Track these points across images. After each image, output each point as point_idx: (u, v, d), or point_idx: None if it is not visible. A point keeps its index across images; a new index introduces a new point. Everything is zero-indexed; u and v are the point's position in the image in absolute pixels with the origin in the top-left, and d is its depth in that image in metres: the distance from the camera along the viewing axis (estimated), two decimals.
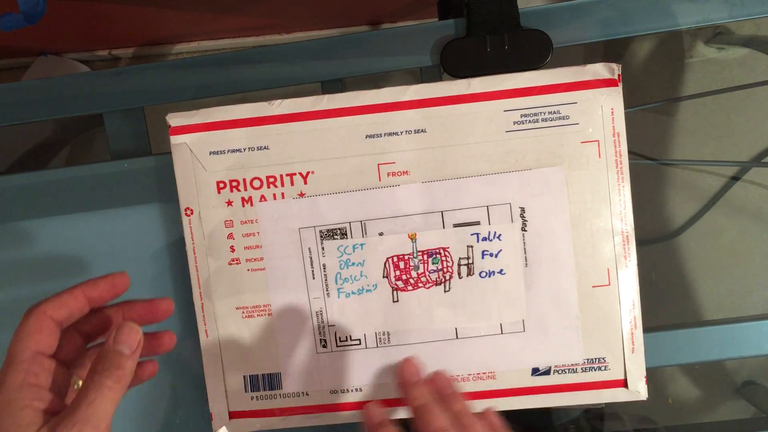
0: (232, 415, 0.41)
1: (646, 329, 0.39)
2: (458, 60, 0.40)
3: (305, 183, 0.39)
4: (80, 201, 0.43)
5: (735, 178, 0.90)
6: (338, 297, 0.40)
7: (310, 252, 0.39)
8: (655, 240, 0.92)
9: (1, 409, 0.28)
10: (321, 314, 0.40)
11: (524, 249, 0.39)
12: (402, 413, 0.40)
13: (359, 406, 0.40)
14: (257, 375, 0.40)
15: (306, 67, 0.42)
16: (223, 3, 0.78)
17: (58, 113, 0.43)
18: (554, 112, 0.38)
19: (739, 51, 0.90)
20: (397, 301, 0.39)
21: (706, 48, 0.91)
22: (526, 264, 0.39)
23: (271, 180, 0.39)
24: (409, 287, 0.39)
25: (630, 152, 0.38)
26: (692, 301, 0.92)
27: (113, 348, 0.29)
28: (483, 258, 0.39)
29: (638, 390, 0.39)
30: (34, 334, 0.29)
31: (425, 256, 0.39)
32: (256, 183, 0.39)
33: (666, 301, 0.93)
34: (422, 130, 0.38)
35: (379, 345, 0.40)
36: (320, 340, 0.40)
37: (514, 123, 0.38)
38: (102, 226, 0.43)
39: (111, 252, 0.43)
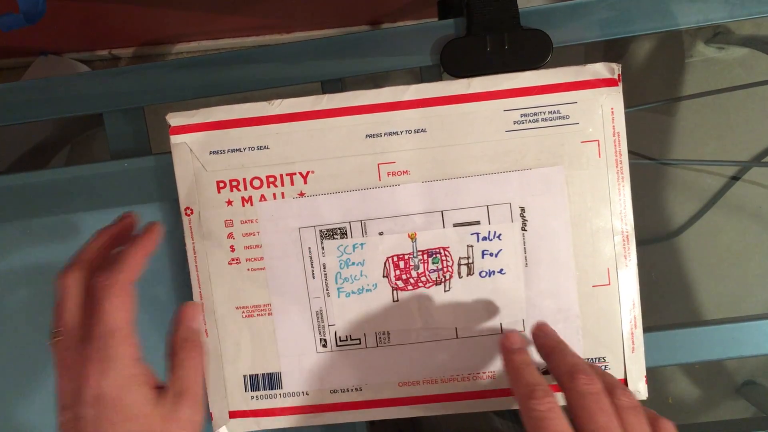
0: (232, 414, 0.41)
1: (646, 329, 0.39)
2: (458, 60, 0.40)
3: (305, 183, 0.39)
4: (80, 201, 0.43)
5: (735, 178, 0.90)
6: (338, 296, 0.40)
7: (310, 252, 0.39)
8: (655, 240, 0.92)
9: (124, 383, 0.28)
10: (321, 314, 0.40)
11: (524, 249, 0.39)
12: (396, 413, 0.40)
13: (359, 405, 0.40)
14: (257, 375, 0.40)
15: (306, 67, 0.42)
16: (223, 3, 0.78)
17: (57, 113, 0.43)
18: (554, 112, 0.38)
19: (739, 51, 0.90)
20: (397, 300, 0.39)
21: (706, 48, 0.91)
22: (526, 264, 0.39)
23: (271, 180, 0.39)
24: (409, 287, 0.39)
25: (630, 152, 0.38)
26: (692, 301, 0.92)
27: (192, 328, 0.32)
28: (483, 258, 0.39)
29: (638, 389, 0.39)
30: (129, 305, 0.30)
31: (425, 256, 0.39)
32: (256, 183, 0.39)
33: (666, 301, 0.93)
34: (422, 130, 0.38)
35: (379, 344, 0.40)
36: (320, 339, 0.40)
37: (514, 123, 0.38)
38: (102, 225, 0.42)
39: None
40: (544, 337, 0.35)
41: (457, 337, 0.39)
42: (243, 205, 0.39)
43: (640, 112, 0.85)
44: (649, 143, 0.91)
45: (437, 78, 0.42)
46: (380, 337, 0.40)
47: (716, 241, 0.92)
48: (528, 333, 0.39)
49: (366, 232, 0.39)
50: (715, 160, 0.91)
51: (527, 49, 0.39)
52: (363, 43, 0.42)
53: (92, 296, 0.30)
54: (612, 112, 0.38)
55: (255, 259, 0.39)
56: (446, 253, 0.39)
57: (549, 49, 0.39)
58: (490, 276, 0.39)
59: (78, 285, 0.31)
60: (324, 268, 0.39)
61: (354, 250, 0.39)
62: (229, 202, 0.39)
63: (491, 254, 0.39)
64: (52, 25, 0.76)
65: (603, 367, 0.39)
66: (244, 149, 0.39)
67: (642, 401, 0.39)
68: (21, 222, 0.43)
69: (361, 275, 0.39)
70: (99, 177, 0.42)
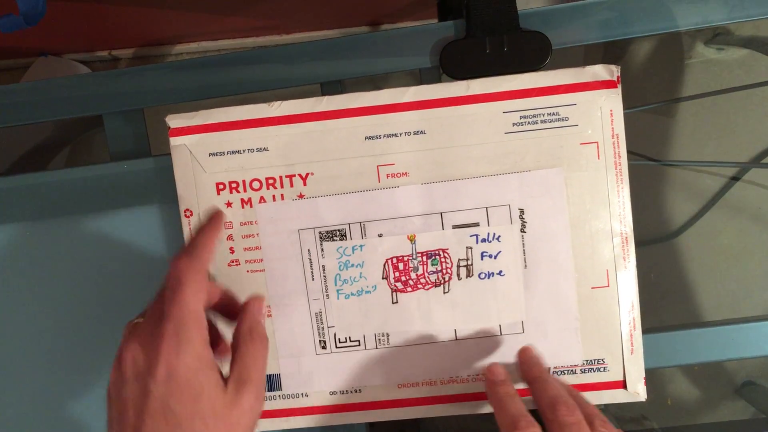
0: None
1: (646, 330, 0.39)
2: (457, 61, 0.40)
3: (305, 184, 0.39)
4: (80, 202, 0.43)
5: (735, 179, 0.90)
6: (337, 298, 0.40)
7: (309, 253, 0.39)
8: (655, 240, 0.92)
9: (195, 365, 0.29)
10: (320, 315, 0.40)
11: (523, 250, 0.39)
12: (395, 415, 0.40)
13: (359, 407, 0.40)
14: None
15: (305, 69, 0.42)
16: (222, 4, 0.78)
17: (57, 114, 0.43)
18: (553, 114, 0.38)
19: (739, 52, 0.90)
20: (397, 302, 0.39)
21: (705, 49, 0.91)
22: (525, 265, 0.39)
23: (271, 181, 0.39)
24: (409, 288, 0.39)
25: (630, 153, 0.38)
26: (692, 302, 0.92)
27: (257, 319, 0.33)
28: (482, 259, 0.39)
29: (637, 391, 0.39)
30: (204, 292, 0.31)
31: (424, 258, 0.39)
32: (256, 184, 0.39)
33: (665, 301, 0.93)
34: (421, 132, 0.38)
35: (378, 346, 0.40)
36: (319, 341, 0.40)
37: (513, 124, 0.38)
38: (101, 227, 0.43)
39: (110, 253, 0.43)
40: (527, 367, 0.37)
41: (456, 339, 0.39)
42: (242, 207, 0.39)
43: (639, 113, 0.85)
44: (648, 144, 0.91)
45: (436, 80, 0.42)
46: (379, 339, 0.40)
47: (716, 241, 0.92)
48: (528, 338, 0.39)
49: (365, 234, 0.39)
50: (715, 161, 0.91)
51: (526, 50, 0.39)
52: (362, 44, 0.42)
53: (171, 280, 0.31)
54: (611, 113, 0.38)
55: (254, 261, 0.40)
56: (445, 254, 0.39)
57: (548, 51, 0.39)
58: (489, 278, 0.39)
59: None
60: (323, 269, 0.39)
61: (353, 252, 0.39)
62: (229, 204, 0.39)
63: (490, 256, 0.39)
64: (52, 26, 0.76)
65: (602, 369, 0.39)
66: (244, 151, 0.39)
67: (641, 402, 0.40)
68: (21, 223, 0.43)
69: (361, 277, 0.39)
70: (99, 178, 0.42)
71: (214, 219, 0.35)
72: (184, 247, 0.33)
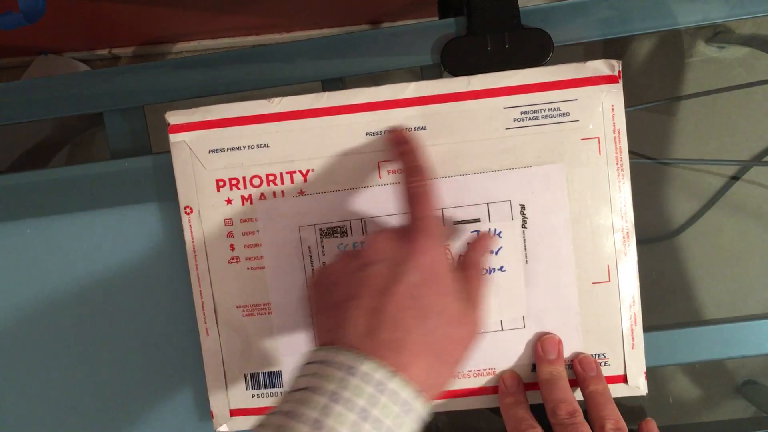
0: (233, 413, 0.41)
1: (647, 328, 0.39)
2: (459, 59, 0.40)
3: (305, 181, 0.39)
4: (80, 200, 0.43)
5: (735, 178, 0.90)
6: None
7: (309, 250, 0.39)
8: (656, 239, 0.92)
9: (448, 268, 0.31)
10: None
11: (524, 246, 0.39)
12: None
13: None
14: (258, 373, 0.40)
15: (306, 67, 0.42)
16: (223, 2, 0.78)
17: (57, 112, 0.43)
18: (554, 109, 0.38)
19: (740, 50, 0.90)
20: None
21: (706, 47, 0.91)
22: (526, 261, 0.39)
23: (271, 178, 0.39)
24: None
25: (630, 152, 0.38)
26: (692, 301, 0.92)
27: (484, 249, 0.36)
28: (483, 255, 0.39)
29: (638, 385, 0.39)
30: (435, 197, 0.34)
31: None
32: (256, 181, 0.39)
33: (666, 300, 0.93)
34: (422, 128, 0.38)
35: None
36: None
37: (514, 120, 0.38)
38: (102, 225, 0.43)
39: (111, 251, 0.43)
40: (537, 365, 0.39)
41: None
42: (243, 204, 0.39)
43: (640, 111, 0.85)
44: (649, 143, 0.91)
45: (438, 77, 0.42)
46: None
47: (717, 240, 0.92)
48: (529, 333, 0.39)
49: (366, 231, 0.39)
50: (715, 159, 0.91)
51: (528, 48, 0.39)
52: (363, 42, 0.42)
53: (412, 189, 0.33)
54: (612, 109, 0.38)
55: (255, 258, 0.39)
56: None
57: (549, 48, 0.39)
58: (490, 273, 0.39)
59: None
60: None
61: (354, 249, 0.39)
62: (229, 201, 0.39)
63: (491, 252, 0.39)
64: (52, 25, 0.76)
65: (603, 363, 0.39)
66: (244, 147, 0.39)
67: (641, 398, 0.40)
68: (21, 222, 0.43)
69: None
70: (99, 176, 0.42)
71: (404, 137, 0.37)
72: (414, 166, 0.34)
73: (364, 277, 0.30)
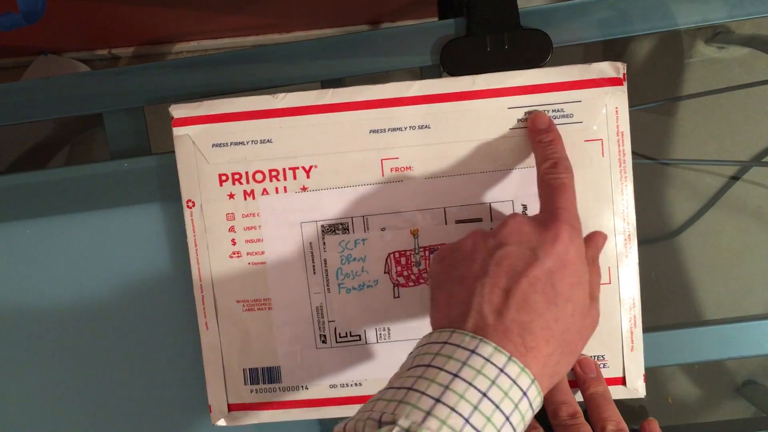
0: (231, 407, 0.41)
1: (646, 329, 0.39)
2: (458, 60, 0.40)
3: (308, 177, 0.39)
4: (80, 201, 0.43)
5: (735, 178, 0.90)
6: (339, 292, 0.40)
7: (311, 246, 0.39)
8: (656, 239, 0.92)
9: (583, 260, 0.32)
10: (321, 309, 0.40)
11: None
12: None
13: (359, 400, 0.40)
14: (257, 368, 0.40)
15: (306, 67, 0.42)
16: (222, 2, 0.78)
17: (57, 113, 0.43)
18: (558, 110, 0.38)
19: (740, 50, 0.90)
20: (398, 296, 0.39)
21: (706, 47, 0.91)
22: None
23: (274, 173, 0.39)
24: (411, 283, 0.39)
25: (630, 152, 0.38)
26: (692, 301, 0.92)
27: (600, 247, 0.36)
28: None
29: (636, 388, 0.39)
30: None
31: (427, 252, 0.39)
32: (259, 176, 0.39)
33: (666, 301, 0.93)
34: (426, 126, 0.38)
35: (379, 341, 0.40)
36: (320, 335, 0.40)
37: (518, 120, 0.38)
38: (101, 225, 0.43)
39: (110, 252, 0.43)
40: None
41: None
42: (245, 199, 0.39)
43: (639, 112, 0.85)
44: (648, 143, 0.91)
45: (437, 78, 0.42)
46: (380, 333, 0.40)
47: (717, 240, 0.92)
48: None
49: (368, 228, 0.39)
50: (715, 159, 0.91)
51: (527, 49, 0.39)
52: (363, 42, 0.42)
53: (553, 182, 0.34)
54: (616, 111, 0.38)
55: (256, 253, 0.40)
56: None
57: (549, 49, 0.39)
58: None
59: None
60: (325, 263, 0.39)
61: (356, 246, 0.39)
62: (231, 196, 0.39)
63: None
64: (52, 25, 0.76)
65: (601, 366, 0.39)
66: (247, 142, 0.39)
67: (640, 400, 0.40)
68: (21, 222, 0.43)
69: (362, 271, 0.39)
70: (99, 177, 0.42)
71: (548, 123, 0.37)
72: (558, 157, 0.35)
73: (501, 257, 0.30)
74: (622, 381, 0.39)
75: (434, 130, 0.38)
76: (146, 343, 0.43)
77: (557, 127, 0.37)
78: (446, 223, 0.39)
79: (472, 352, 0.28)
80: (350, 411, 0.40)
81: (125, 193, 0.42)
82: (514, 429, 0.27)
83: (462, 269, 0.31)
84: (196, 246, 0.40)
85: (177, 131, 0.39)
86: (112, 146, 0.44)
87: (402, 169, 0.38)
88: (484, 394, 0.26)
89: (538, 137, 0.36)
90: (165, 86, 0.43)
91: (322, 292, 0.40)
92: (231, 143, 0.39)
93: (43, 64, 0.90)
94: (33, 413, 0.44)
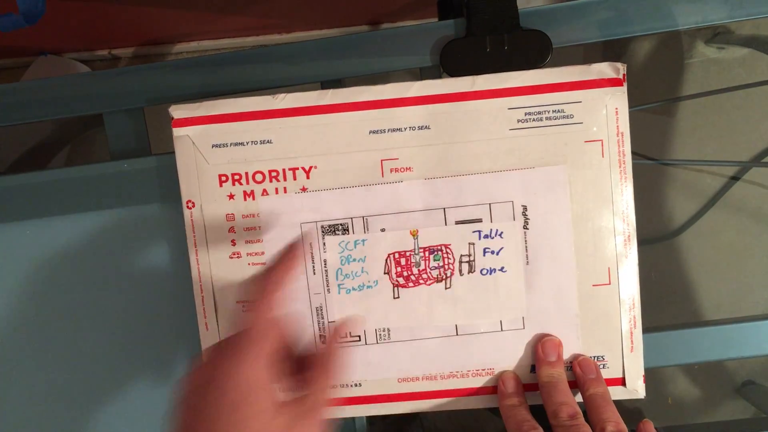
0: None
1: (646, 329, 0.39)
2: (458, 60, 0.40)
3: (308, 178, 0.39)
4: (80, 201, 0.43)
5: (735, 178, 0.90)
6: (338, 293, 0.40)
7: (311, 247, 0.39)
8: (655, 240, 0.92)
9: (248, 389, 0.28)
10: (321, 310, 0.40)
11: (525, 247, 0.39)
12: (395, 409, 0.40)
13: (359, 401, 0.40)
14: None
15: (306, 68, 0.42)
16: (223, 3, 0.78)
17: (57, 113, 0.43)
18: (558, 111, 0.38)
19: (739, 51, 0.90)
20: (398, 297, 0.40)
21: (706, 48, 0.91)
22: (527, 262, 0.39)
23: (274, 174, 0.39)
24: (410, 284, 0.39)
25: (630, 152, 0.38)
26: (692, 301, 0.92)
27: (338, 351, 0.33)
28: (484, 255, 0.39)
29: (636, 389, 0.39)
30: (271, 331, 0.30)
31: (427, 253, 0.39)
32: (259, 177, 0.39)
33: (666, 301, 0.93)
34: (426, 127, 0.38)
35: (379, 341, 0.40)
36: (320, 336, 0.40)
37: (518, 121, 0.38)
38: (101, 226, 0.43)
39: (110, 252, 0.43)
40: (538, 367, 0.39)
41: (457, 335, 0.39)
42: (245, 200, 0.39)
43: (639, 112, 0.85)
44: (648, 143, 0.91)
45: (437, 78, 0.42)
46: (380, 334, 0.40)
47: (716, 240, 0.92)
48: (528, 334, 0.39)
49: (368, 229, 0.39)
50: (715, 160, 0.91)
51: (527, 49, 0.39)
52: (363, 43, 0.42)
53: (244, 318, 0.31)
54: (616, 112, 0.38)
55: (256, 254, 0.40)
56: (448, 250, 0.39)
57: (549, 49, 0.39)
58: (491, 274, 0.39)
59: None
60: (325, 264, 0.39)
61: (355, 247, 0.39)
62: (231, 196, 0.39)
63: (492, 252, 0.39)
64: (52, 25, 0.76)
65: (601, 366, 0.39)
66: (247, 143, 0.39)
67: (640, 400, 0.40)
68: (21, 222, 0.43)
69: (362, 272, 0.39)
70: (99, 177, 0.42)
71: (291, 252, 0.35)
72: (261, 284, 0.32)
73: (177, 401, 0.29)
74: (622, 381, 0.39)
75: (434, 130, 0.38)
76: (146, 344, 0.43)
77: (558, 127, 0.38)
78: (446, 224, 0.39)
79: None
80: (350, 411, 0.40)
81: (125, 193, 0.42)
82: None
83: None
84: (196, 246, 0.40)
85: (177, 132, 0.39)
86: (112, 147, 0.44)
87: (402, 169, 0.38)
88: None
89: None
90: (165, 86, 0.43)
91: (322, 292, 0.40)
92: (231, 144, 0.39)
93: (43, 64, 0.90)
94: (33, 413, 0.44)
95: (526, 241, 0.39)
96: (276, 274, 0.33)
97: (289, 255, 0.35)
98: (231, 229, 0.40)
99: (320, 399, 0.31)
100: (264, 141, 0.39)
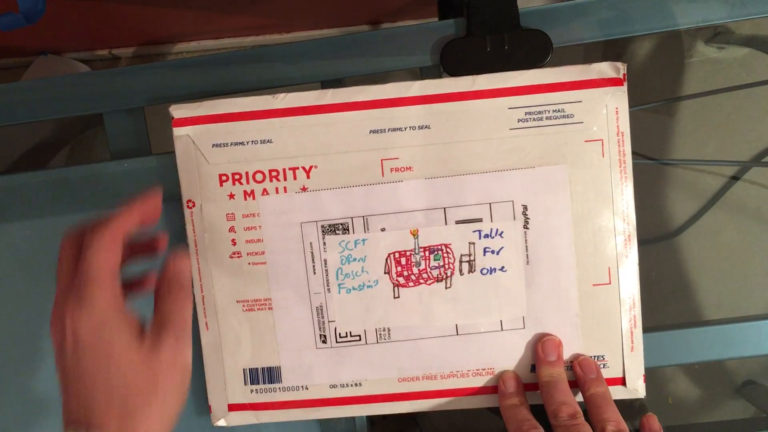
0: (231, 407, 0.41)
1: (646, 329, 0.39)
2: (458, 60, 0.40)
3: (308, 177, 0.39)
4: (80, 201, 0.43)
5: (735, 178, 0.90)
6: (339, 293, 0.40)
7: (311, 247, 0.39)
8: (655, 239, 0.92)
9: (98, 327, 0.29)
10: (321, 310, 0.40)
11: (526, 247, 0.39)
12: (395, 408, 0.40)
13: (359, 400, 0.40)
14: (257, 368, 0.40)
15: (306, 67, 0.42)
16: (223, 3, 0.78)
17: (58, 113, 0.43)
18: (558, 111, 0.38)
19: (739, 50, 0.90)
20: (398, 297, 0.40)
21: (706, 48, 0.91)
22: (528, 261, 0.39)
23: (274, 174, 0.39)
24: (410, 283, 0.39)
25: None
26: (692, 301, 0.92)
27: (180, 268, 0.32)
28: (484, 255, 0.39)
29: (636, 388, 0.39)
30: (111, 253, 0.31)
31: (427, 253, 0.39)
32: (259, 176, 0.39)
33: (666, 301, 0.93)
34: (426, 126, 0.38)
35: (379, 341, 0.40)
36: (320, 335, 0.40)
37: (518, 121, 0.38)
38: None
39: None
40: (538, 367, 0.39)
41: (457, 334, 0.40)
42: (245, 199, 0.39)
43: (639, 112, 0.85)
44: (648, 143, 0.91)
45: (437, 78, 0.42)
46: (380, 333, 0.40)
47: (717, 240, 0.92)
48: (528, 334, 0.39)
49: (368, 228, 0.39)
50: (715, 159, 0.91)
51: (527, 49, 0.39)
52: (363, 43, 0.42)
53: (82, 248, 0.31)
54: (616, 111, 0.38)
55: (256, 254, 0.40)
56: (448, 250, 0.39)
57: (549, 49, 0.39)
58: (491, 273, 0.39)
59: (73, 245, 0.32)
60: (325, 263, 0.39)
61: (356, 246, 0.39)
62: (231, 196, 0.39)
63: (493, 252, 0.39)
64: (52, 25, 0.76)
65: (601, 366, 0.39)
66: (248, 143, 0.39)
67: (640, 400, 0.40)
68: (21, 222, 0.43)
69: (363, 271, 0.39)
70: (99, 177, 0.42)
71: (148, 198, 0.34)
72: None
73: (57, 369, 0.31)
74: (622, 381, 0.39)
75: (434, 130, 0.38)
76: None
77: (558, 127, 0.38)
78: (446, 224, 0.39)
79: None
80: (350, 411, 0.40)
81: (126, 193, 0.42)
82: None
83: None
84: (196, 246, 0.40)
85: (177, 131, 0.39)
86: (112, 146, 0.44)
87: (402, 169, 0.38)
88: None
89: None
90: (165, 86, 0.43)
91: (323, 292, 0.40)
92: (231, 143, 0.39)
93: (44, 64, 0.90)
94: (32, 413, 0.44)
95: (526, 240, 0.39)
96: (119, 217, 0.32)
97: (141, 202, 0.34)
98: (231, 229, 0.40)
99: (173, 313, 0.31)
100: (264, 140, 0.39)
